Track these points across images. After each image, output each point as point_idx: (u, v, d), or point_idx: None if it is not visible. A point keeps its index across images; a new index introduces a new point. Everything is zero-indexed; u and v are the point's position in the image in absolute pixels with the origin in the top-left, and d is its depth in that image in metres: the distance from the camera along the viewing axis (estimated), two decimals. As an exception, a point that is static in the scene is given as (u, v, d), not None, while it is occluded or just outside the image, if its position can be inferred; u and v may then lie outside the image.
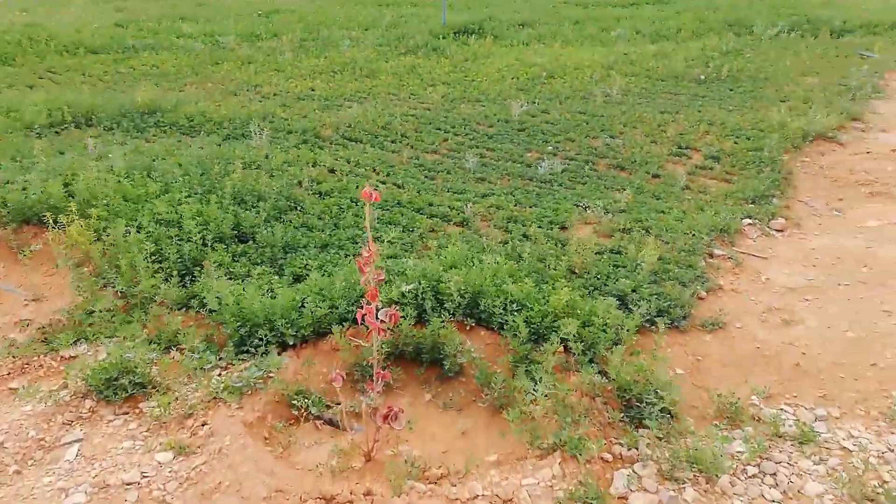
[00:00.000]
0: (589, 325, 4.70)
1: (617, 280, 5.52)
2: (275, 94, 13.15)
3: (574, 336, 4.48)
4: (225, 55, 17.23)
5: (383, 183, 8.26)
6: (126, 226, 6.01)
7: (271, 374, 4.38)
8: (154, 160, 8.25)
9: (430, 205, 7.49)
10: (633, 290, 5.37)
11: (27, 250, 6.27)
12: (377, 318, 3.72)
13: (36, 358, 4.79)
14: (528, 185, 8.27)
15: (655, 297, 5.28)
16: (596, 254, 6.04)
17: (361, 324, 3.75)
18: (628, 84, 13.49)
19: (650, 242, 6.18)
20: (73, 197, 6.81)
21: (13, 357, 4.75)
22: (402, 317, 4.43)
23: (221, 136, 10.11)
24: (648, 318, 4.99)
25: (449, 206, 7.41)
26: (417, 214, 7.16)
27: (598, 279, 5.61)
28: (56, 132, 10.38)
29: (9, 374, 4.63)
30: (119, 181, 7.07)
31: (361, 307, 3.77)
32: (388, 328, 3.83)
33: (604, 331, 4.65)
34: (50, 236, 6.05)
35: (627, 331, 4.61)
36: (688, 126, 10.45)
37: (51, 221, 5.98)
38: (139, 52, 17.91)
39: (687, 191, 8.01)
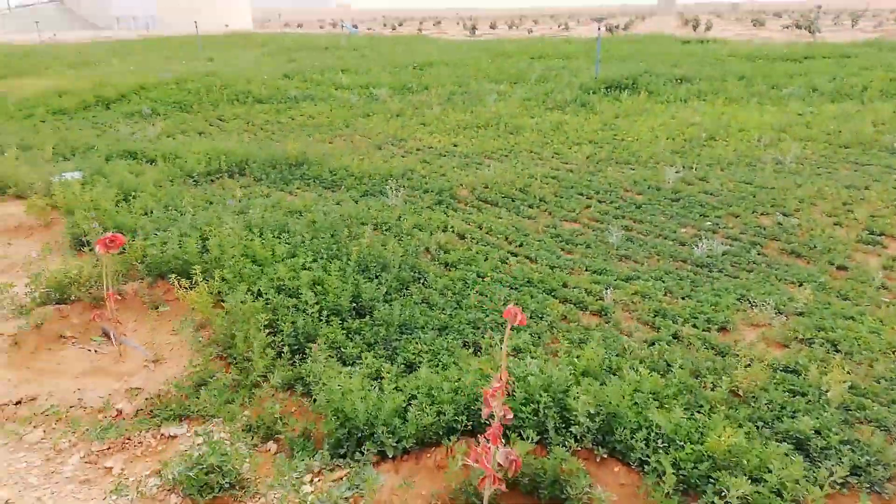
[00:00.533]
0: (758, 480, 3.68)
1: (794, 415, 4.40)
2: (417, 150, 13.13)
3: (739, 498, 3.50)
4: (377, 108, 17.76)
5: (514, 255, 7.64)
6: (246, 291, 5.87)
7: (363, 496, 3.83)
8: (290, 217, 8.27)
9: (565, 286, 6.73)
10: (817, 432, 4.23)
11: (158, 307, 6.35)
12: (494, 462, 3.05)
13: (138, 433, 4.62)
14: (682, 268, 7.25)
15: (848, 445, 4.11)
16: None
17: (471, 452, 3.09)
18: (804, 151, 11.92)
19: (838, 363, 4.97)
20: (207, 251, 6.90)
21: (116, 432, 4.61)
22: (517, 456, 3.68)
23: (360, 192, 10.10)
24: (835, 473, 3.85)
25: (586, 290, 6.60)
26: (549, 297, 6.42)
27: (769, 410, 4.51)
28: (211, 180, 10.95)
29: (108, 448, 4.48)
30: (251, 240, 7.07)
31: (477, 440, 3.13)
32: (506, 478, 3.13)
33: (779, 494, 3.61)
34: (177, 295, 6.07)
35: (813, 501, 3.53)
36: (881, 206, 8.83)
37: (176, 283, 5.99)
38: (299, 102, 19.02)
39: (884, 291, 6.57)
